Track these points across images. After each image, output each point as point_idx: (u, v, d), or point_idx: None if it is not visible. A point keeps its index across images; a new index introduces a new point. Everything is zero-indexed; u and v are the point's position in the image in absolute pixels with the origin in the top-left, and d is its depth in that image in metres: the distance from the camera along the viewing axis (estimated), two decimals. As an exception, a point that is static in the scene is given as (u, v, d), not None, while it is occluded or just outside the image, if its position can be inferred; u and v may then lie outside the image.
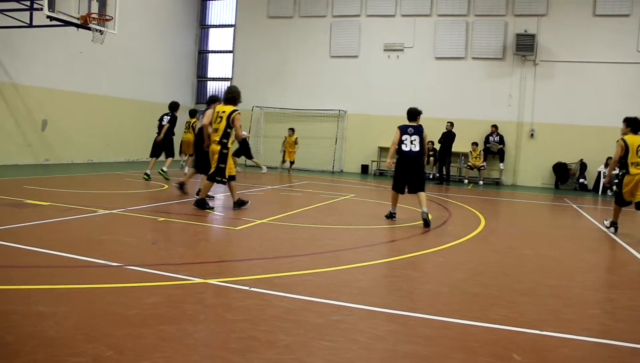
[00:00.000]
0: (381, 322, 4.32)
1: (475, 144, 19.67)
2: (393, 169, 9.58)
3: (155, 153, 13.72)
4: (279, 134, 21.11)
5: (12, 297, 4.37)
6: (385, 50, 21.49)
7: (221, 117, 9.30)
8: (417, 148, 9.23)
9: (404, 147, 9.25)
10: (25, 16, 13.27)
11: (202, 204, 9.42)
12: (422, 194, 9.17)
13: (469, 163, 19.78)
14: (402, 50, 21.30)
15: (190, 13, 24.22)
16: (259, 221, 8.50)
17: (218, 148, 9.22)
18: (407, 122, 9.45)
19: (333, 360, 3.53)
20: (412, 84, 20.87)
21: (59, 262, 5.48)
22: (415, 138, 9.24)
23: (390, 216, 9.56)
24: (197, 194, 9.79)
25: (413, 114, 9.45)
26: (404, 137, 9.25)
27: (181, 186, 11.21)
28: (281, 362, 3.44)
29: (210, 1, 24.99)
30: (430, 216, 9.22)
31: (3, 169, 13.69)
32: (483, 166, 19.58)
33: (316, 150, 22.03)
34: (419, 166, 9.31)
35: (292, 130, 19.62)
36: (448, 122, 19.15)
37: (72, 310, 4.12)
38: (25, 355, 3.32)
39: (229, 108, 9.37)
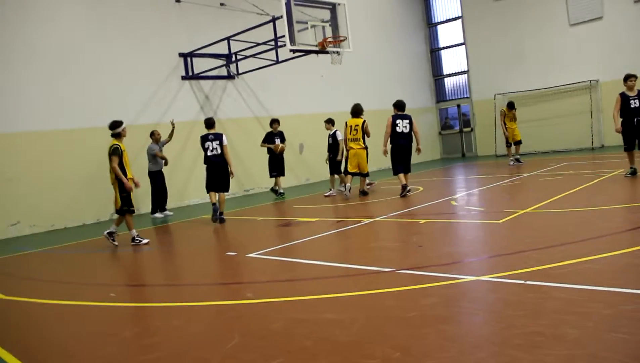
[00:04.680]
0: (688, 307, 3.82)
1: None
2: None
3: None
4: (526, 118, 20.10)
5: (304, 306, 4.81)
6: (635, 1, 19.07)
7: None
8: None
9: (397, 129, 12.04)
10: (272, 55, 14.72)
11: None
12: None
13: None
14: (658, -4, 18.72)
15: (415, 14, 24.46)
16: (522, 211, 8.15)
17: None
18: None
19: (636, 355, 3.19)
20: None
21: (337, 272, 5.89)
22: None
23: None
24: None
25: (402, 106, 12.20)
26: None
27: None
28: (573, 357, 3.20)
29: (434, -2, 24.98)
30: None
31: (270, 194, 15.22)
32: None
33: (569, 127, 20.43)
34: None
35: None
36: None
37: (356, 316, 4.38)
38: (323, 357, 3.61)
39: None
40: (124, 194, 9.02)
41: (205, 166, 11.13)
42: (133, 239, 9.14)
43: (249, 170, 16.36)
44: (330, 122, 13.93)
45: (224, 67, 16.13)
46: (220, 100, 16.40)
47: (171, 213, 12.77)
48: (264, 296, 5.29)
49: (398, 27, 23.33)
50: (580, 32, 20.25)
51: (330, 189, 13.67)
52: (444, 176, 16.03)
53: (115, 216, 9.58)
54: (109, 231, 9.21)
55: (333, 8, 13.23)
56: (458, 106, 24.55)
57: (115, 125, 9.12)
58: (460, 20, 23.89)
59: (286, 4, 12.11)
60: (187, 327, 4.63)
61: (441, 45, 24.97)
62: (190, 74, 15.55)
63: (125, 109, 13.97)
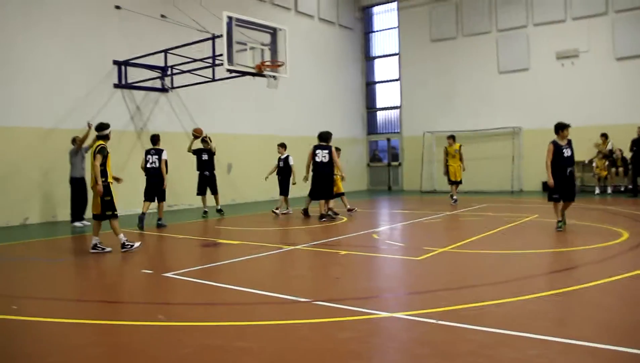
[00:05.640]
0: (584, 356, 3.96)
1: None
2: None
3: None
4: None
5: (216, 332, 4.72)
6: (557, 58, 20.27)
7: None
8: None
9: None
10: (208, 72, 14.60)
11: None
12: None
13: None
14: (577, 56, 19.94)
15: (354, 46, 24.94)
16: (441, 250, 8.35)
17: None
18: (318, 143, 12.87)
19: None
20: (592, 90, 19.47)
21: (253, 299, 5.81)
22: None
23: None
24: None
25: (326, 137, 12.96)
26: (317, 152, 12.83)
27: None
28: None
29: (373, 33, 25.56)
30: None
31: (196, 212, 14.96)
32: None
33: (492, 170, 21.30)
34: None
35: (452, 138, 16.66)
36: (639, 127, 17.40)
37: (267, 346, 4.32)
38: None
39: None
40: (107, 198, 8.64)
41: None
42: (123, 245, 8.76)
43: (175, 186, 15.98)
44: (282, 146, 14.63)
45: (159, 79, 15.85)
46: (151, 112, 16.06)
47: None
48: (176, 319, 5.15)
49: (336, 57, 23.70)
50: (508, 80, 21.31)
51: (287, 208, 14.38)
52: (369, 208, 16.25)
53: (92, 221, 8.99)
54: (92, 244, 8.74)
55: (274, 33, 13.33)
56: (388, 139, 25.08)
57: (102, 127, 8.96)
58: (397, 56, 24.54)
59: (227, 23, 12.10)
60: (89, 348, 4.43)
61: (377, 79, 25.54)
62: (124, 82, 15.18)
63: (49, 111, 13.46)
